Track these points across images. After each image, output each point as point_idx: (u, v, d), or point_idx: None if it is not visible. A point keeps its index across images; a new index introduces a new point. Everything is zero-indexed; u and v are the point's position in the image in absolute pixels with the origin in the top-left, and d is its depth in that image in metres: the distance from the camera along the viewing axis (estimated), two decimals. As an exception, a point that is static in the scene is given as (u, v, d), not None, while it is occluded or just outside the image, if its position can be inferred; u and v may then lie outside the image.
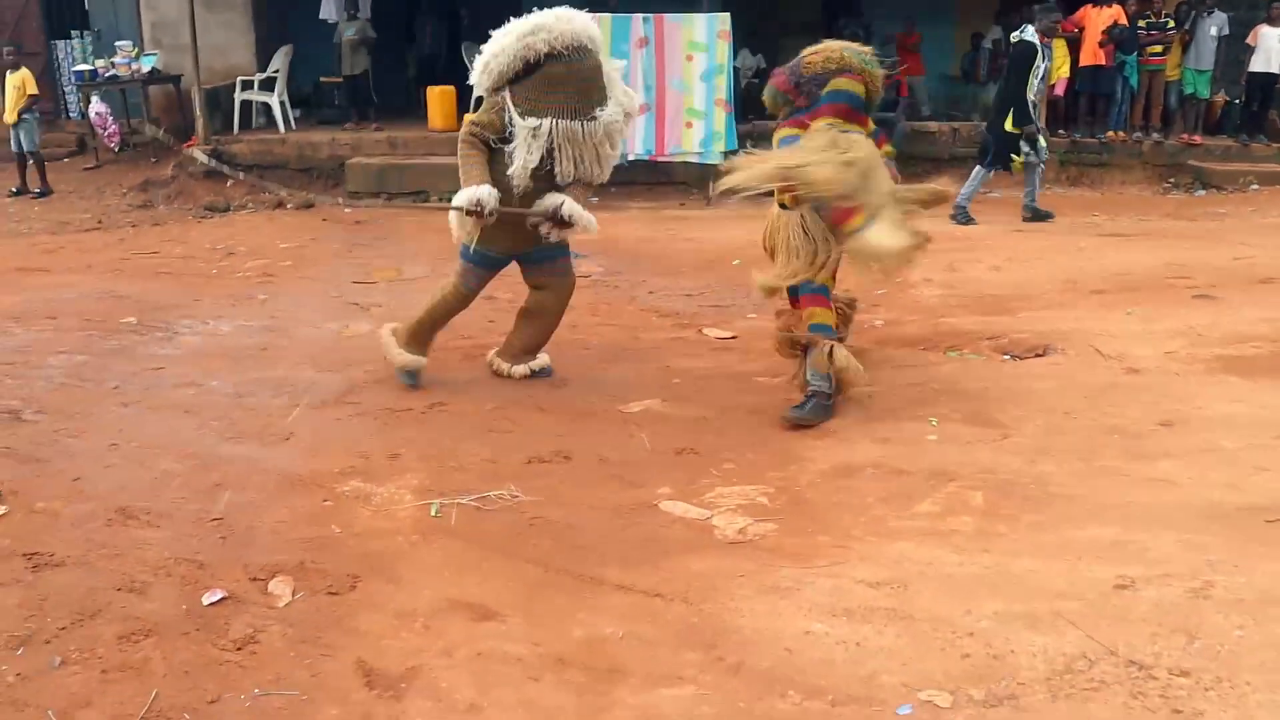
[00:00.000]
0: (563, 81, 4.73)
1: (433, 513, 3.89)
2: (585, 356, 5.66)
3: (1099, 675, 2.81)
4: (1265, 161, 12.62)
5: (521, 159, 4.79)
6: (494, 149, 4.88)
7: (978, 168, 9.93)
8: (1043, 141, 9.84)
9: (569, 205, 4.91)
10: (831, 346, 4.63)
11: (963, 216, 9.70)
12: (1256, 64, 12.61)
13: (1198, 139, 12.82)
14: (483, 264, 5.18)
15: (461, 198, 4.80)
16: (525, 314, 5.34)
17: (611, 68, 4.94)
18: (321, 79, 13.08)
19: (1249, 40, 12.62)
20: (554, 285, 5.25)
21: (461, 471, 4.25)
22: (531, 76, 4.77)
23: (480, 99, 5.11)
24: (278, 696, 2.83)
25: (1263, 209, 10.65)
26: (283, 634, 3.13)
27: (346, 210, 10.44)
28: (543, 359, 5.34)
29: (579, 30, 4.76)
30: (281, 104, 11.81)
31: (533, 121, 4.73)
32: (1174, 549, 3.45)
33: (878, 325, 6.11)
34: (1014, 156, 9.57)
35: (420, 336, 5.25)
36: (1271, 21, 12.54)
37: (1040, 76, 9.58)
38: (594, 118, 4.77)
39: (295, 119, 12.18)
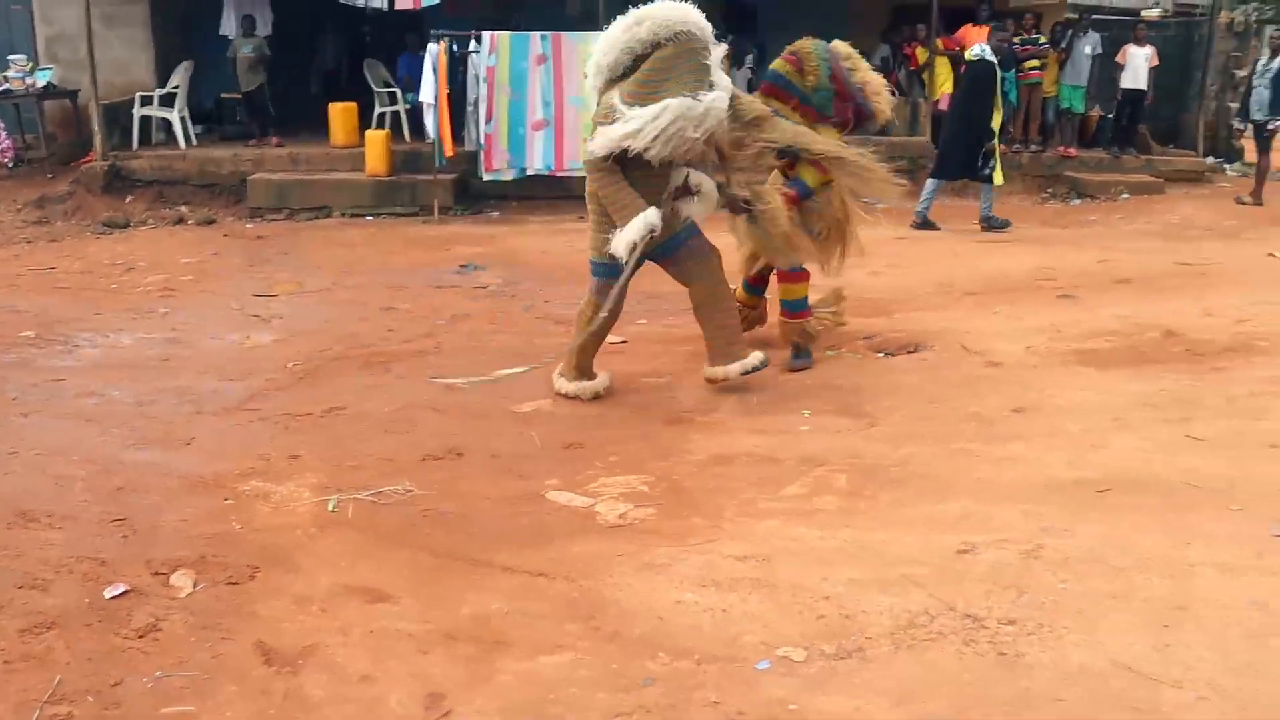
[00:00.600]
0: (673, 63, 4.71)
1: (330, 508, 4.07)
2: (481, 362, 5.86)
3: (938, 628, 3.12)
4: (1134, 172, 13.38)
5: (654, 149, 4.70)
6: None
7: (930, 180, 10.39)
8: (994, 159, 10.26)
9: (694, 174, 5.07)
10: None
11: (926, 224, 10.19)
12: (1126, 81, 13.37)
13: (1073, 151, 13.50)
14: (615, 274, 5.01)
15: (636, 230, 4.74)
16: (697, 311, 5.29)
17: (717, 52, 4.91)
18: (222, 95, 13.05)
19: (1118, 59, 13.36)
20: (697, 269, 5.18)
21: (359, 470, 4.43)
22: (640, 67, 4.77)
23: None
24: (179, 677, 2.99)
25: (1130, 216, 11.28)
26: (184, 621, 3.29)
27: (248, 226, 10.48)
28: (754, 357, 5.20)
29: (682, 16, 4.76)
30: (182, 119, 11.76)
31: (654, 108, 4.62)
32: (1014, 518, 3.80)
33: (759, 329, 6.43)
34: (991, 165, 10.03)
35: (583, 364, 5.29)
36: (1138, 42, 13.31)
37: (1001, 93, 10.13)
38: (699, 99, 4.70)
39: (196, 135, 12.14)
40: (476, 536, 3.83)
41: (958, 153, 10.08)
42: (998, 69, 9.98)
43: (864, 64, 5.77)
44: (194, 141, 11.96)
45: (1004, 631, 3.09)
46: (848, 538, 3.71)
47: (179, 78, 11.92)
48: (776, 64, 5.57)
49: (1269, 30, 13.05)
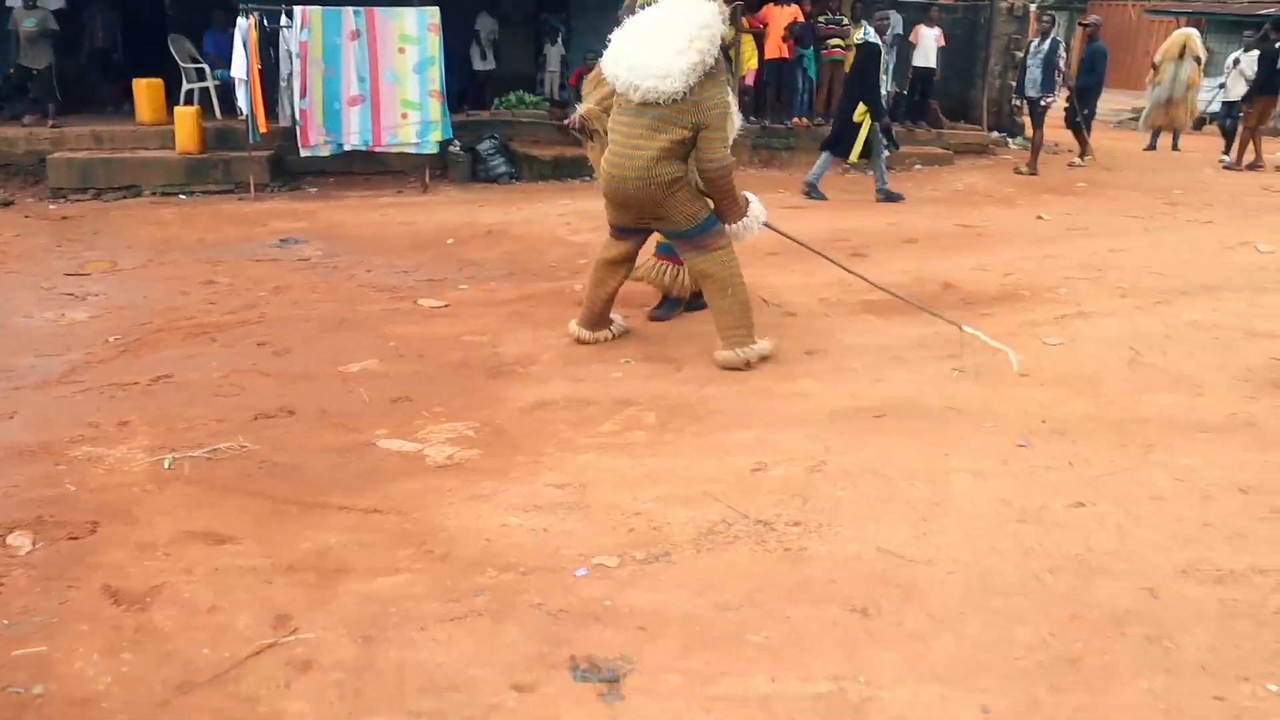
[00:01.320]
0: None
1: (166, 465, 4.21)
2: (306, 328, 6.02)
3: (733, 533, 3.56)
4: (926, 145, 14.37)
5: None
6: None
7: (824, 152, 11.02)
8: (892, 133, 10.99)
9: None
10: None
11: (815, 193, 10.81)
12: (917, 60, 14.33)
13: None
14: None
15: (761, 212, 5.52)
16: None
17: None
18: (11, 70, 12.47)
19: (911, 39, 14.30)
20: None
21: (191, 431, 4.57)
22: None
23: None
24: (27, 624, 3.13)
25: (920, 184, 12.16)
26: (26, 575, 3.40)
27: (51, 206, 10.17)
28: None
29: None
30: (-30, 99, 11.27)
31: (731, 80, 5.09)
32: (801, 441, 4.29)
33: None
34: (854, 147, 10.67)
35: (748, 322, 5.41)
36: (929, 23, 14.27)
37: (887, 72, 10.68)
38: None
39: (-12, 114, 11.62)
40: (311, 483, 4.05)
41: (848, 130, 10.70)
42: (882, 50, 10.61)
43: None
44: (-14, 120, 11.46)
45: (790, 532, 3.55)
46: (655, 464, 4.12)
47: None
48: None
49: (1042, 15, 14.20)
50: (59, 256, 8.10)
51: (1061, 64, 12.74)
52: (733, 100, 5.23)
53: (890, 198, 10.97)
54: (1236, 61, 14.86)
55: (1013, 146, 15.51)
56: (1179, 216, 9.98)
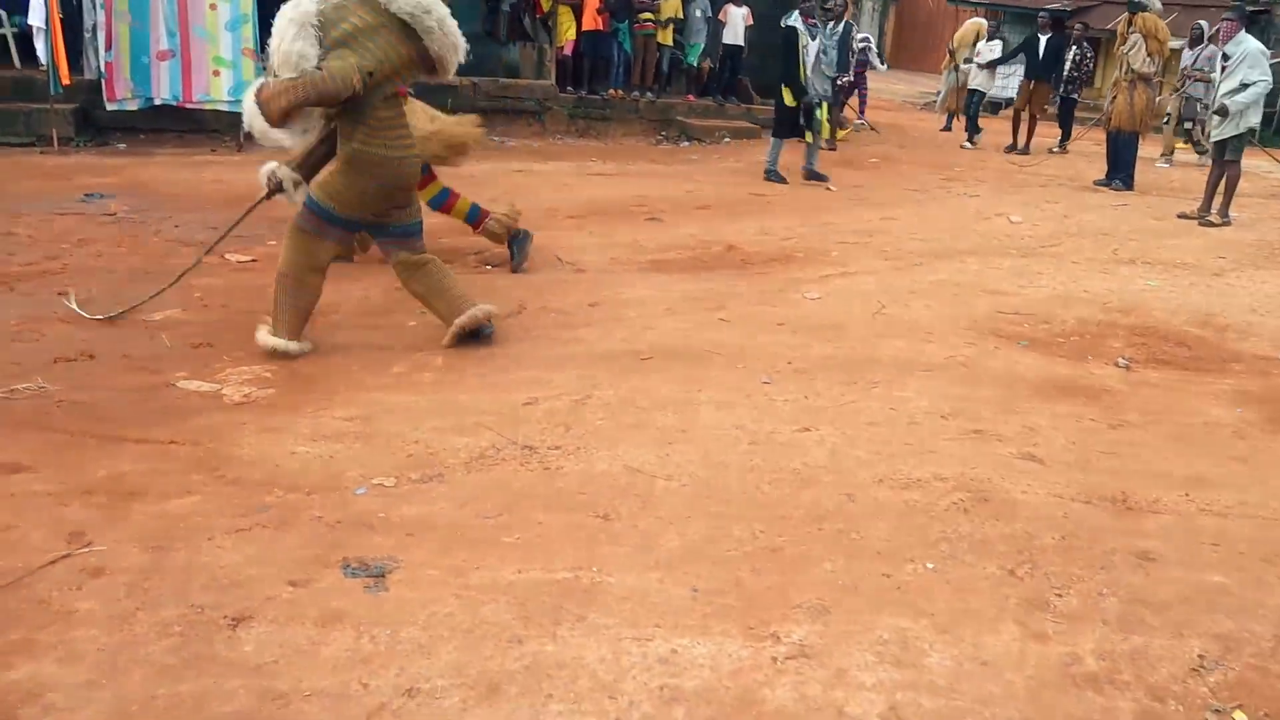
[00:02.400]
0: None
1: (-40, 405, 4.36)
2: (110, 279, 6.15)
3: (501, 456, 4.01)
4: (736, 119, 15.08)
5: None
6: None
7: (774, 138, 11.29)
8: (819, 113, 11.16)
9: None
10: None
11: (775, 177, 11.04)
12: (726, 38, 14.99)
13: (691, 98, 15.01)
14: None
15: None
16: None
17: None
18: None
19: (720, 17, 14.94)
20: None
21: (-13, 374, 4.71)
22: None
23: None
24: None
25: (725, 157, 12.85)
26: None
27: None
28: (483, 307, 5.26)
29: None
30: None
31: None
32: (571, 380, 4.77)
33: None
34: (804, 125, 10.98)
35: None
36: (736, 3, 14.93)
37: (813, 54, 10.92)
38: None
39: None
40: (109, 419, 4.29)
41: (785, 114, 11.09)
42: (800, 34, 10.85)
43: None
44: None
45: (551, 454, 4.02)
46: (437, 399, 4.52)
47: None
48: None
49: None
50: None
51: (855, 46, 13.59)
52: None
53: (816, 177, 11.32)
54: (978, 52, 15.86)
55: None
56: (952, 190, 10.91)
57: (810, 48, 10.95)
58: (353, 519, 3.53)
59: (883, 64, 20.25)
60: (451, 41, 4.90)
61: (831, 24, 13.65)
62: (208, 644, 2.85)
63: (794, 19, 11.18)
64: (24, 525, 3.44)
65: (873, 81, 18.27)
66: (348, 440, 4.11)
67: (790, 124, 11.21)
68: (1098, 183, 11.93)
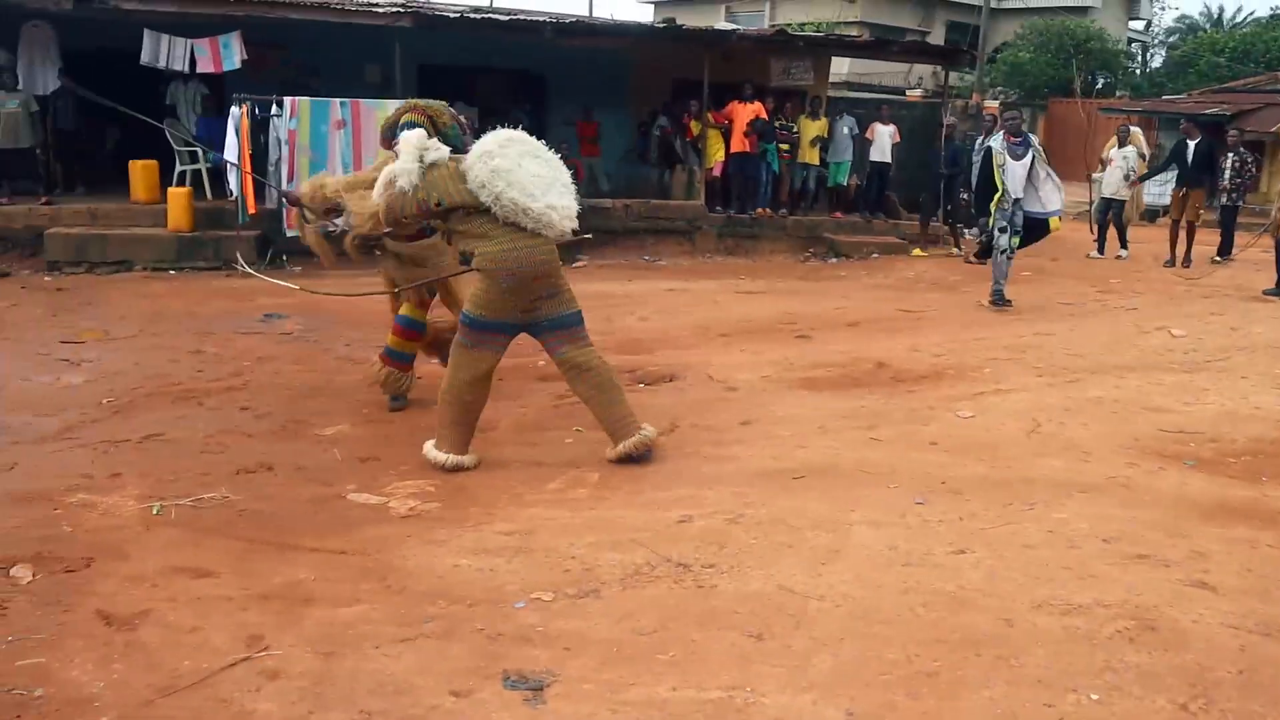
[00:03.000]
0: None
1: (155, 512, 4.69)
2: (287, 395, 6.53)
3: (655, 573, 4.06)
4: (883, 235, 15.14)
5: None
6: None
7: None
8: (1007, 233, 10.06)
9: None
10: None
11: (1001, 300, 10.22)
12: (873, 155, 15.18)
13: (839, 215, 15.17)
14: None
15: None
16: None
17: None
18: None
19: (867, 135, 15.15)
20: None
21: (177, 482, 5.06)
22: None
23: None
24: (29, 640, 3.59)
25: (873, 272, 12.86)
26: (28, 601, 3.87)
27: (47, 279, 10.71)
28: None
29: None
30: (-32, 173, 11.80)
31: None
32: (724, 497, 4.82)
33: (540, 365, 7.32)
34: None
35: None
36: (883, 121, 15.14)
37: (1007, 173, 9.93)
38: None
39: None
40: (286, 528, 4.54)
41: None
42: (996, 154, 10.08)
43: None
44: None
45: (704, 572, 4.06)
46: (593, 516, 4.63)
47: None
48: (408, 117, 5.75)
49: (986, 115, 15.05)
50: (54, 325, 8.62)
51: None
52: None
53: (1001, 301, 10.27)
54: (1109, 159, 15.03)
55: (968, 236, 16.25)
56: (1109, 304, 10.64)
57: (1009, 168, 9.95)
58: (512, 632, 3.63)
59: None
60: (518, 209, 5.07)
61: (983, 137, 13.58)
62: (376, 750, 2.96)
63: (996, 140, 10.32)
64: (208, 628, 3.66)
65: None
66: (507, 554, 4.24)
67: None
68: (1267, 292, 11.44)
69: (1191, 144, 14.10)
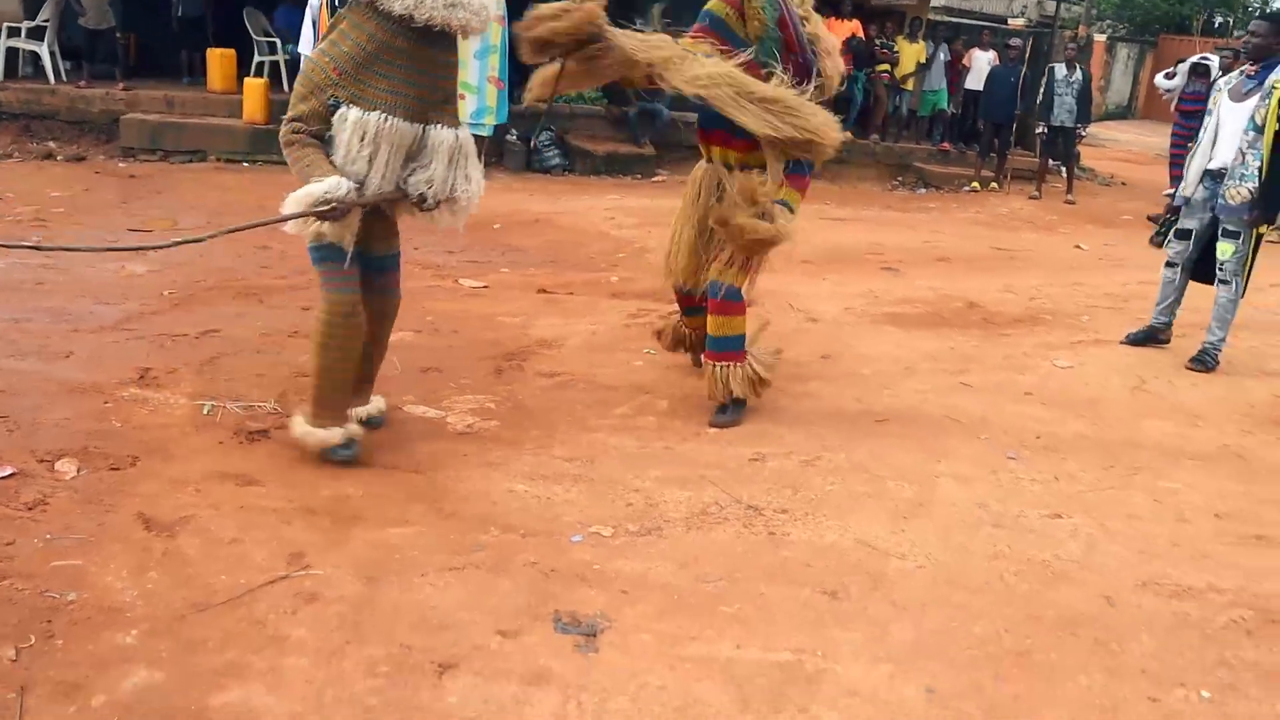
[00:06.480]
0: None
1: (205, 411, 4.51)
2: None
3: (724, 515, 3.78)
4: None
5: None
6: None
7: None
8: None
9: None
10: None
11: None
12: (970, 83, 14.40)
13: (946, 145, 14.48)
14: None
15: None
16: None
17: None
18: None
19: (964, 62, 14.38)
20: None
21: (231, 383, 4.87)
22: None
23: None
24: (68, 540, 3.42)
25: (965, 206, 12.28)
26: (70, 498, 3.71)
27: (121, 165, 10.60)
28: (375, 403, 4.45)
29: None
30: (51, 54, 11.72)
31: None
32: (800, 438, 4.50)
33: (614, 281, 7.03)
34: None
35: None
36: (982, 47, 14.35)
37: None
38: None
39: (66, 71, 12.08)
40: (338, 438, 4.32)
41: None
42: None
43: (817, 16, 4.68)
44: (64, 77, 11.91)
45: (776, 518, 3.77)
46: (660, 447, 4.35)
47: (49, 11, 11.83)
48: (712, 4, 4.53)
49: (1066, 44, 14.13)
50: (124, 213, 8.49)
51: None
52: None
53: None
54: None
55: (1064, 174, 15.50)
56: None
57: (1222, 111, 6.25)
58: (567, 568, 3.38)
59: None
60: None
61: (1063, 70, 12.81)
62: (413, 690, 2.75)
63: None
64: (249, 541, 3.46)
65: (1125, 133, 17.14)
66: (566, 482, 3.98)
67: None
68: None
69: None
